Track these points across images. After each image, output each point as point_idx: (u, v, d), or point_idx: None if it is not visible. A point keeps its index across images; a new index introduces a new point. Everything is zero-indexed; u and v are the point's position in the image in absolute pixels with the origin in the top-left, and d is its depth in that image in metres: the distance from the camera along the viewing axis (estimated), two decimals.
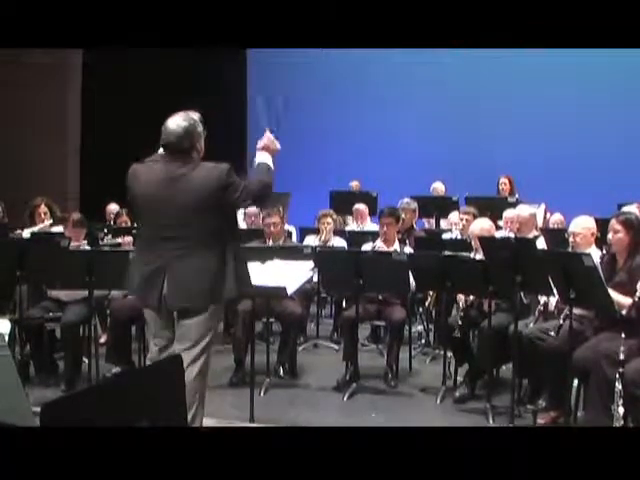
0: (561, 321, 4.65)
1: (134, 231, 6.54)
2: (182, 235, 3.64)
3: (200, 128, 3.74)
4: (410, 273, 5.38)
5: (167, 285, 3.64)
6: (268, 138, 3.93)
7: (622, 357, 4.00)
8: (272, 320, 6.05)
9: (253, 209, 8.07)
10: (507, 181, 9.42)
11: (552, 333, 4.67)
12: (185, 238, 3.64)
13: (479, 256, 5.34)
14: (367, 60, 10.98)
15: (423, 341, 7.04)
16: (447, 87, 11.34)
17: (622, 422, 3.98)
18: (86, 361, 5.56)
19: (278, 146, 3.93)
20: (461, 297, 5.54)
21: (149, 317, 3.83)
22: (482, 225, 5.85)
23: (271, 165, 3.86)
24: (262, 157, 3.87)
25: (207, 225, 3.64)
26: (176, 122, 3.69)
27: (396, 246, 6.24)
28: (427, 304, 6.90)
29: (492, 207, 7.08)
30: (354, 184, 10.20)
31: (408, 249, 6.26)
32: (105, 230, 7.46)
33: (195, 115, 3.76)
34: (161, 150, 3.78)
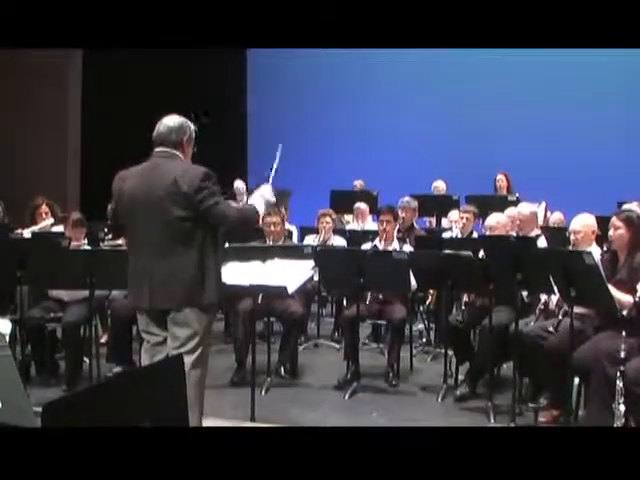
0: (560, 317, 4.65)
1: None
2: (162, 232, 3.64)
3: (191, 133, 3.82)
4: (411, 272, 5.38)
5: (149, 284, 3.67)
6: (267, 190, 3.99)
7: (623, 355, 4.00)
8: (273, 319, 6.05)
9: None
10: (504, 177, 9.43)
11: (551, 329, 4.68)
12: (164, 236, 3.64)
13: None
14: (368, 60, 10.97)
15: (424, 340, 7.04)
16: (448, 86, 11.35)
17: (623, 420, 3.98)
18: (87, 361, 5.57)
19: (273, 199, 4.02)
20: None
21: (139, 313, 3.85)
22: (498, 219, 5.86)
23: (260, 210, 3.90)
24: (254, 200, 3.93)
25: (184, 223, 3.62)
26: (171, 118, 3.81)
27: (395, 244, 6.24)
28: (428, 303, 6.91)
29: (493, 206, 7.07)
30: (358, 183, 10.19)
31: (408, 248, 6.26)
32: (106, 230, 7.46)
33: (190, 122, 3.86)
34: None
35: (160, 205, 3.62)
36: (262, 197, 3.94)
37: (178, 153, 3.75)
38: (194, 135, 3.85)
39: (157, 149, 3.77)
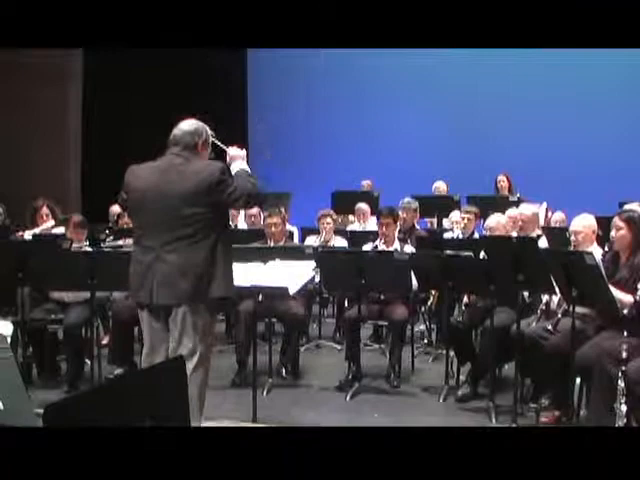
0: (559, 316, 4.65)
1: None
2: (172, 229, 3.66)
3: (207, 136, 3.88)
4: (412, 273, 5.38)
5: (155, 280, 3.66)
6: (232, 150, 4.02)
7: (624, 355, 4.00)
8: (274, 320, 6.05)
9: (254, 210, 8.07)
10: (505, 178, 9.45)
11: (549, 327, 4.67)
12: (176, 233, 3.65)
13: None
14: (368, 61, 10.96)
15: (425, 340, 7.03)
16: (448, 87, 11.34)
17: (625, 420, 3.97)
18: (88, 363, 5.56)
19: (243, 151, 4.03)
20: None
21: (141, 314, 3.84)
22: (498, 219, 5.86)
23: (247, 169, 3.94)
24: (236, 166, 3.94)
25: (196, 220, 3.64)
26: (188, 122, 3.88)
27: (396, 245, 6.24)
28: (429, 303, 6.90)
29: (494, 206, 7.07)
30: (366, 183, 10.15)
31: (409, 248, 6.26)
32: (107, 231, 7.46)
33: (207, 127, 3.92)
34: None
35: (175, 203, 3.64)
36: (238, 158, 3.98)
37: (193, 154, 3.76)
38: (210, 139, 3.89)
39: (171, 149, 3.80)
